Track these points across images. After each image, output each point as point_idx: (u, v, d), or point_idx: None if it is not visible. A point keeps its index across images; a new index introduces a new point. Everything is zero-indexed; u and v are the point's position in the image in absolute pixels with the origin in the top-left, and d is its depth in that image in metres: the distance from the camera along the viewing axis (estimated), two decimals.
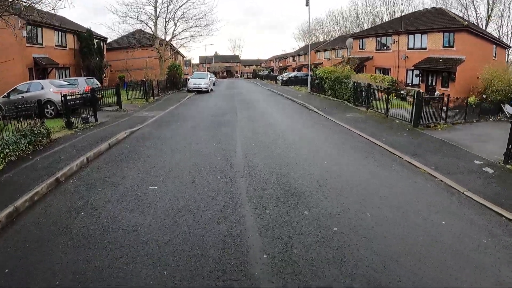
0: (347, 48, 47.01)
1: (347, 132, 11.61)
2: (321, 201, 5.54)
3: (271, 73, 68.13)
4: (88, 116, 13.18)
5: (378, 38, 34.53)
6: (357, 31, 71.85)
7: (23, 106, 11.03)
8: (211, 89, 29.40)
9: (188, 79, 31.88)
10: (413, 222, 4.91)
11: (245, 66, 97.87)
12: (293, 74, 42.16)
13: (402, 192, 6.15)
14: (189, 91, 27.63)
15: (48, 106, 15.01)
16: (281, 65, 76.05)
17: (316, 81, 23.69)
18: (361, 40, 36.98)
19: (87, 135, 10.57)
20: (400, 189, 6.32)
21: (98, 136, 10.27)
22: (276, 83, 42.58)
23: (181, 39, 28.37)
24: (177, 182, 6.28)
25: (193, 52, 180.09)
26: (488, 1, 49.00)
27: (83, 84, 18.46)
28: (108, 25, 65.02)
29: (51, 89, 15.10)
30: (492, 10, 49.61)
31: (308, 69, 50.63)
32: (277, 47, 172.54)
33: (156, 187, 5.98)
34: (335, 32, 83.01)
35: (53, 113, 14.86)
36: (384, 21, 75.79)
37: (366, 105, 16.60)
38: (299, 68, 59.97)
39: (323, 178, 6.66)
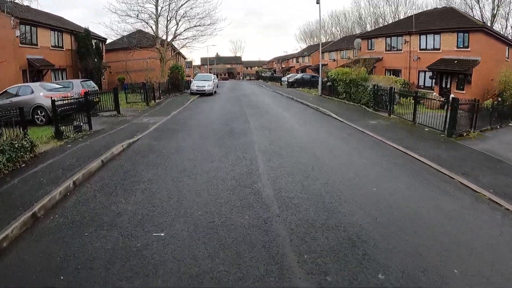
0: (353, 48, 45.50)
1: (379, 144, 9.98)
2: (393, 254, 3.93)
3: (274, 74, 66.52)
4: (82, 124, 11.56)
5: (388, 39, 33.05)
6: (359, 32, 70.63)
7: (4, 112, 9.40)
8: (215, 92, 27.78)
9: (191, 81, 30.26)
10: None
11: (247, 68, 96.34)
12: (299, 75, 40.56)
13: (478, 231, 4.63)
14: (192, 93, 26.02)
15: (38, 112, 13.39)
16: (283, 66, 74.51)
17: (328, 84, 22.09)
18: (369, 40, 35.44)
19: (78, 148, 8.93)
20: (474, 226, 4.81)
21: (90, 149, 8.64)
22: (281, 85, 40.97)
23: (183, 39, 26.74)
24: (191, 225, 4.60)
25: (194, 53, 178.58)
26: (493, 1, 47.67)
27: (78, 87, 16.86)
28: (107, 24, 61.43)
29: (42, 93, 13.48)
30: (497, 10, 48.30)
31: (319, 70, 49.05)
32: (278, 49, 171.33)
33: (162, 234, 4.30)
34: (338, 33, 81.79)
35: (44, 119, 13.24)
36: (388, 21, 74.72)
37: (388, 110, 14.98)
38: (303, 70, 58.41)
39: (382, 214, 5.03)
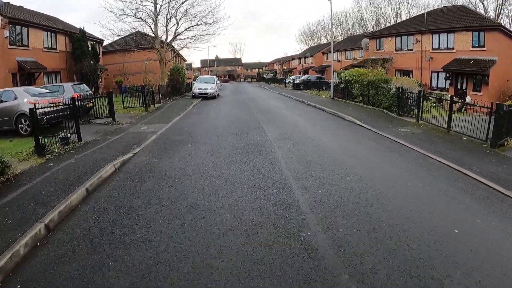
0: (359, 49, 43.86)
1: (425, 159, 8.24)
2: None
3: (276, 76, 64.87)
4: (69, 135, 9.80)
5: (398, 38, 31.38)
6: (361, 32, 69.07)
7: None
8: (218, 95, 26.03)
9: (192, 84, 28.54)
10: None
11: (247, 70, 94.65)
12: (304, 77, 38.90)
13: None
14: (194, 97, 24.27)
15: (22, 120, 11.61)
16: (285, 67, 72.85)
17: (341, 86, 20.39)
18: (378, 40, 33.73)
19: (60, 168, 7.17)
20: None
21: (75, 171, 6.87)
22: (286, 87, 39.24)
23: (184, 39, 24.88)
24: None
25: (193, 56, 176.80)
26: (497, 0, 46.46)
27: (70, 91, 15.09)
28: (102, 24, 57.42)
29: (26, 99, 11.67)
30: (501, 9, 47.03)
31: (323, 72, 47.38)
32: (278, 50, 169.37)
33: None
34: (339, 34, 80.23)
35: (29, 129, 11.44)
36: (390, 21, 73.21)
37: (416, 115, 13.26)
38: (306, 71, 56.76)
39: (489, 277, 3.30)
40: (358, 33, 69.86)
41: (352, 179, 6.43)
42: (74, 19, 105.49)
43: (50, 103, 10.32)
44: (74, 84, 16.28)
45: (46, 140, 8.80)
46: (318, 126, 12.41)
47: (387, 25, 68.91)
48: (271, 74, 68.87)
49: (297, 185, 6.04)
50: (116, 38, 25.63)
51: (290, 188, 5.89)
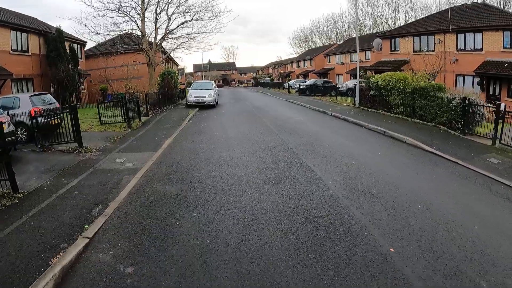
0: (365, 50, 40.38)
1: None
2: None
3: (273, 80, 61.24)
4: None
5: (417, 38, 27.92)
6: (359, 35, 65.69)
7: None
8: (217, 102, 22.12)
9: (187, 90, 24.62)
10: None
11: (241, 74, 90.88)
12: (311, 81, 35.19)
13: None
14: (189, 106, 20.34)
15: None
16: (282, 71, 69.24)
17: (371, 92, 16.71)
18: (393, 40, 30.24)
19: None
20: None
21: None
22: (290, 92, 35.47)
23: (176, 38, 20.82)
24: None
25: (185, 60, 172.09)
26: None
27: (27, 105, 11.19)
28: (77, 18, 49.32)
29: None
30: None
31: (325, 75, 43.59)
32: (270, 55, 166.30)
33: None
34: (334, 36, 77.07)
35: None
36: (388, 22, 70.14)
37: (493, 136, 9.54)
38: (305, 75, 53.22)
39: None
40: (354, 35, 66.60)
41: None
42: (66, 25, 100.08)
43: None
44: (34, 95, 12.28)
45: None
46: (386, 158, 8.45)
47: (385, 27, 65.92)
48: (269, 79, 65.14)
49: None
50: (95, 36, 21.40)
51: None
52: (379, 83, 15.87)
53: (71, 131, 9.77)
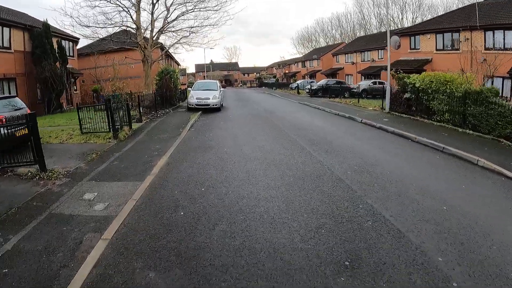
0: (378, 49, 37.52)
1: None
2: None
3: (279, 81, 58.41)
4: None
5: (440, 35, 25.03)
6: (363, 34, 62.92)
7: None
8: (222, 105, 19.29)
9: (188, 91, 21.81)
10: None
11: (244, 74, 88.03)
12: (323, 82, 32.33)
13: None
14: (190, 109, 17.55)
15: None
16: (286, 71, 66.38)
17: (405, 95, 13.90)
18: (412, 37, 27.34)
19: None
20: None
21: None
22: (299, 93, 32.62)
23: (176, 31, 17.90)
24: None
25: (187, 61, 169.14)
26: None
27: None
28: (63, 9, 41.47)
29: None
30: None
31: (333, 75, 40.60)
32: (272, 55, 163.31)
33: None
34: (339, 36, 74.32)
35: None
36: (395, 20, 67.12)
37: None
38: (312, 75, 50.39)
39: None
40: (362, 34, 63.93)
41: None
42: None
43: None
44: None
45: None
46: (485, 201, 5.45)
47: (391, 26, 62.96)
48: (274, 79, 62.30)
49: None
50: (82, 30, 18.44)
51: None
52: (416, 85, 13.06)
53: (63, 137, 7.00)
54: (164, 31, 17.51)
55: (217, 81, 19.97)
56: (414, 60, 26.24)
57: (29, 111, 10.15)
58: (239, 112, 16.99)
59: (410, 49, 27.13)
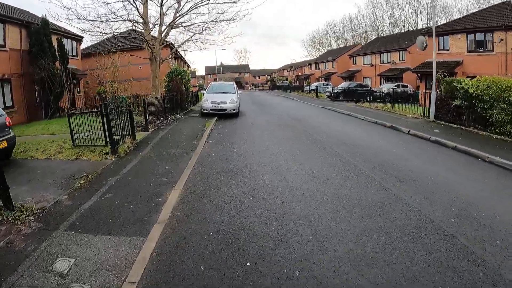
0: (399, 50, 34.98)
1: None
2: None
3: (292, 83, 56.15)
4: None
5: (471, 35, 22.51)
6: (375, 36, 60.22)
7: None
8: (239, 109, 16.96)
9: (201, 94, 19.57)
10: None
11: (255, 77, 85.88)
12: (344, 84, 29.94)
13: None
14: (204, 114, 15.31)
15: None
16: (299, 74, 64.00)
17: (455, 102, 11.53)
18: (441, 38, 24.78)
19: None
20: None
21: None
22: (318, 96, 30.24)
23: (188, 26, 15.55)
24: None
25: (196, 64, 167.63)
26: None
27: None
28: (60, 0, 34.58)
29: None
30: None
31: (351, 78, 38.17)
32: (282, 57, 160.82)
33: None
34: (351, 38, 71.92)
35: None
36: (408, 20, 64.32)
37: None
38: (327, 77, 47.97)
39: None
40: (374, 36, 61.45)
41: None
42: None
43: None
44: None
45: None
46: None
47: (405, 27, 60.34)
48: (287, 81, 60.00)
49: None
50: (80, 24, 16.11)
51: None
52: (469, 91, 10.70)
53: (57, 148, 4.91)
54: (175, 25, 15.25)
55: (234, 83, 17.65)
56: (443, 62, 23.73)
57: (8, 119, 7.98)
58: (261, 119, 14.65)
59: (439, 50, 24.60)
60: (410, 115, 14.66)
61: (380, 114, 15.61)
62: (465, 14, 35.89)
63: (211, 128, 11.80)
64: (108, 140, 7.91)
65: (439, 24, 50.32)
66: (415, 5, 61.12)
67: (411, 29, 53.45)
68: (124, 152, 8.23)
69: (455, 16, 58.17)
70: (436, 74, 13.52)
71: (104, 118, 7.59)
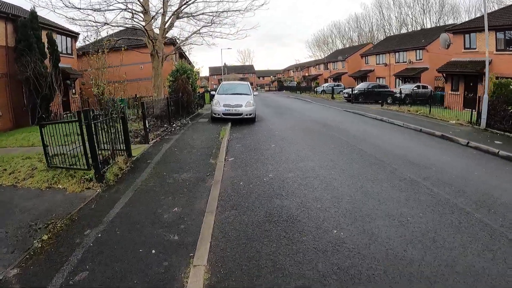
0: (416, 49, 32.53)
1: None
2: None
3: (299, 84, 53.82)
4: None
5: (500, 33, 20.13)
6: (381, 35, 57.78)
7: None
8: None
9: (209, 95, 17.21)
10: None
11: (259, 78, 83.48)
12: (363, 85, 27.53)
13: None
14: (215, 119, 12.94)
15: None
16: (306, 74, 61.57)
17: None
18: (467, 35, 22.37)
19: None
20: None
21: None
22: (334, 98, 27.84)
23: (195, 16, 13.01)
24: None
25: (199, 64, 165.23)
26: None
27: None
28: None
29: None
30: None
31: (365, 78, 35.67)
32: (286, 58, 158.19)
33: None
34: (357, 38, 69.65)
35: None
36: (417, 19, 61.77)
37: None
38: (337, 78, 45.57)
39: None
40: (381, 37, 59.12)
41: None
42: None
43: None
44: None
45: None
46: None
47: (413, 26, 57.84)
48: (295, 82, 57.64)
49: None
50: (67, 12, 13.57)
51: None
52: None
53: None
54: (181, 15, 12.80)
55: (248, 83, 15.18)
56: (470, 61, 21.38)
57: None
58: (283, 125, 12.21)
59: (465, 48, 22.18)
60: (453, 121, 12.38)
61: (418, 119, 13.25)
62: (475, 14, 33.52)
63: (227, 138, 9.39)
64: (90, 162, 5.50)
65: (446, 23, 47.93)
66: (423, 4, 58.71)
67: (418, 28, 51.11)
68: (115, 177, 5.83)
69: (463, 15, 55.99)
70: (488, 74, 11.22)
71: (84, 129, 5.18)
